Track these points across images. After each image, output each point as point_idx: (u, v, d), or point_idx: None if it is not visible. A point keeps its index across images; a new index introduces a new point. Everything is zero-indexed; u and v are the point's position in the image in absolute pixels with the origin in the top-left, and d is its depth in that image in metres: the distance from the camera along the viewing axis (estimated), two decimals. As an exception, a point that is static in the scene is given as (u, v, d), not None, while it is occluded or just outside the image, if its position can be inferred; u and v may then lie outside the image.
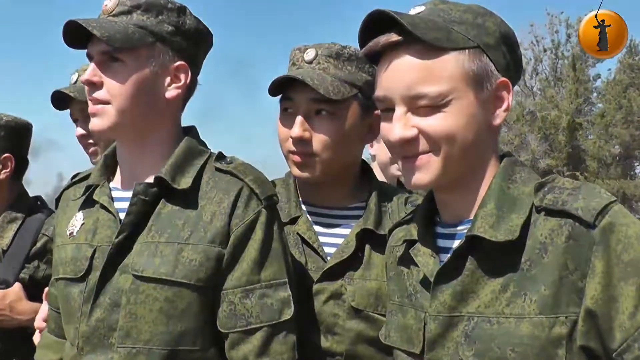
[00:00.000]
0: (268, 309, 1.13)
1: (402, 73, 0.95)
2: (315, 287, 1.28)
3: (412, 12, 0.99)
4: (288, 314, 1.15)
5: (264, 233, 1.15)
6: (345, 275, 1.28)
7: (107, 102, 1.14)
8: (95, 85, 1.14)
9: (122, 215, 1.17)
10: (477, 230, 0.94)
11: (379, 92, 1.00)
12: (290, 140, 1.29)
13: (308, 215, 1.36)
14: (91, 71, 1.15)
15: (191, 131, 1.28)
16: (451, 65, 0.94)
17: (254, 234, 1.15)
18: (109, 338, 1.12)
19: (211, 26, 1.29)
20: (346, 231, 1.34)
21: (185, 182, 1.16)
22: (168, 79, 1.19)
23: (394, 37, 0.95)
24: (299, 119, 1.28)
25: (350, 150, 1.35)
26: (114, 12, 1.16)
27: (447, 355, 0.95)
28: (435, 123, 0.94)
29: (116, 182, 1.26)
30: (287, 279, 1.17)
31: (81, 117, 1.74)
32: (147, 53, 1.16)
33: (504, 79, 0.99)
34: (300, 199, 1.40)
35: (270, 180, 1.33)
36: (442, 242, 1.04)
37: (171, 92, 1.20)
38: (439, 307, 0.97)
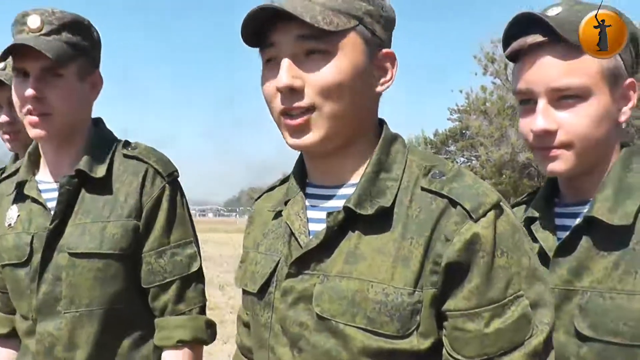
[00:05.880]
0: (178, 265, 1.38)
1: (547, 68, 1.04)
2: (283, 284, 0.94)
3: (551, 13, 1.05)
4: (195, 266, 1.40)
5: (169, 204, 1.40)
6: (318, 270, 0.92)
7: (49, 114, 1.30)
8: (38, 99, 1.29)
9: (50, 204, 1.36)
10: (595, 212, 1.02)
11: (521, 85, 1.08)
12: (279, 96, 0.92)
13: (304, 197, 1.01)
14: (36, 84, 1.28)
15: (99, 123, 1.48)
16: (591, 64, 1.01)
17: (161, 206, 1.39)
18: (56, 307, 1.33)
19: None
20: None
21: (100, 171, 1.37)
22: (87, 86, 1.40)
23: (539, 37, 1.04)
24: (284, 62, 0.91)
25: (360, 100, 0.94)
26: (43, 32, 1.28)
27: (562, 325, 1.02)
28: (574, 120, 1.03)
29: (41, 175, 1.44)
30: (192, 239, 1.42)
31: (6, 104, 1.76)
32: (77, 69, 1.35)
33: (631, 79, 1.07)
34: (308, 179, 1.04)
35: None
36: (559, 221, 1.13)
37: (92, 96, 1.43)
38: (556, 280, 1.05)
